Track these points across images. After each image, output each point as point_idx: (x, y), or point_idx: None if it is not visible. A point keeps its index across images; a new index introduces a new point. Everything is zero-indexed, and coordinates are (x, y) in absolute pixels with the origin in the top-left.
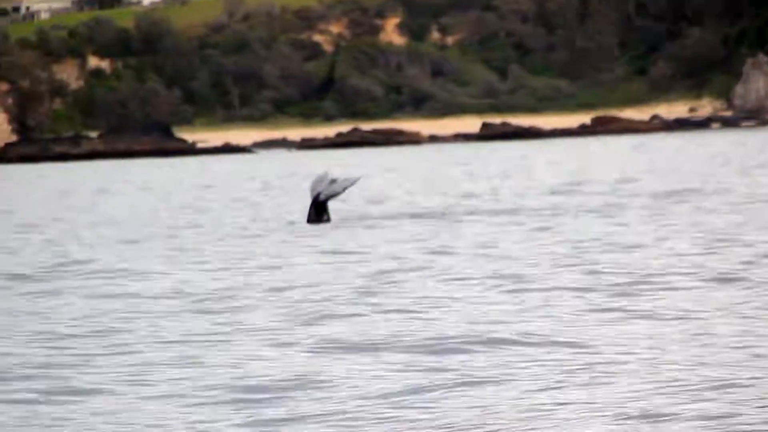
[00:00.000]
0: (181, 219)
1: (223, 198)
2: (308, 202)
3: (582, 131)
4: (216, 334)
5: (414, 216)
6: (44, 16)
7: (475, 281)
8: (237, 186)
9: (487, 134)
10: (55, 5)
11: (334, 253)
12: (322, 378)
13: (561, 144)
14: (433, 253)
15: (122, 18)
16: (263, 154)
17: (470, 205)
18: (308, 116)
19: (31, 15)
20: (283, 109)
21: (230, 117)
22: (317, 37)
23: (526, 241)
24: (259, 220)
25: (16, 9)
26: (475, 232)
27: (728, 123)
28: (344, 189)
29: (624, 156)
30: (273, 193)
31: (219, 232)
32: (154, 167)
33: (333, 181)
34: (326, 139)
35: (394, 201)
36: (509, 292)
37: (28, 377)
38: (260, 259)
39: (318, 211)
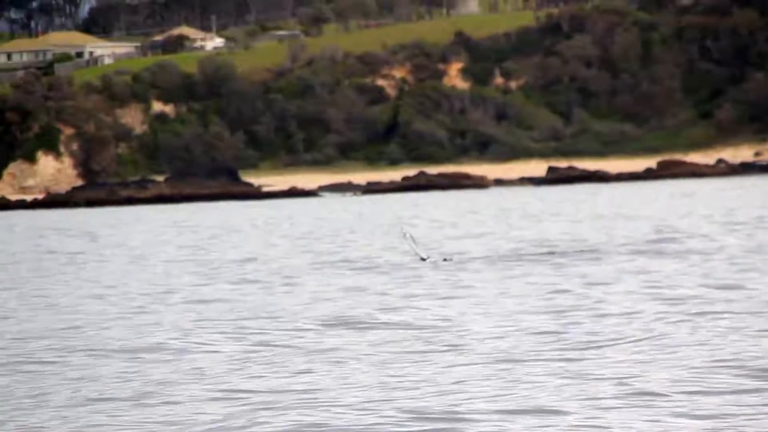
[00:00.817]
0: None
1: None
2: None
3: (647, 175)
4: None
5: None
6: (107, 61)
7: None
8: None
9: (554, 178)
10: (119, 50)
11: None
12: None
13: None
14: None
15: (185, 63)
16: (331, 198)
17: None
18: (372, 160)
19: (94, 60)
20: (347, 153)
21: (294, 161)
22: (381, 82)
23: None
24: None
25: (80, 54)
26: None
27: None
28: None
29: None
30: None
31: None
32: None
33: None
34: (392, 182)
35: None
36: None
37: None
38: None
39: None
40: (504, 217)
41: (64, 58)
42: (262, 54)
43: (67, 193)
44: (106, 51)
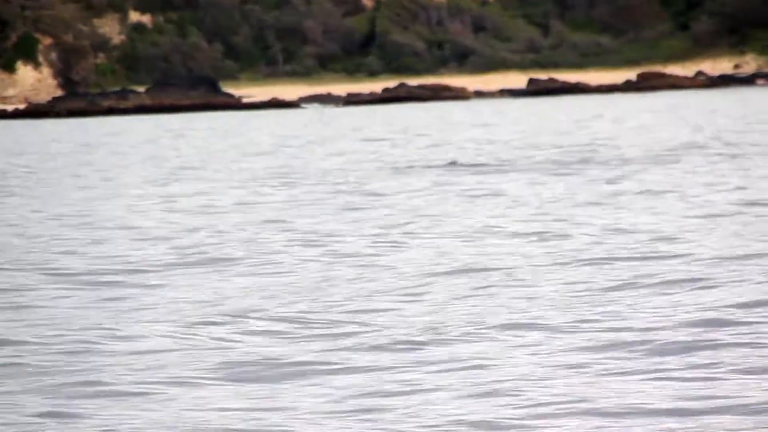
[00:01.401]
0: None
1: None
2: None
3: (627, 87)
4: None
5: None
6: None
7: None
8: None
9: (534, 90)
10: None
11: None
12: None
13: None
14: None
15: None
16: (311, 110)
17: None
18: (351, 72)
19: None
20: (326, 64)
21: (273, 72)
22: None
23: None
24: None
25: None
26: None
27: None
28: None
29: None
30: None
31: None
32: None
33: None
34: (372, 94)
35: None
36: None
37: None
38: None
39: None
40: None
41: None
42: None
43: (48, 103)
44: None
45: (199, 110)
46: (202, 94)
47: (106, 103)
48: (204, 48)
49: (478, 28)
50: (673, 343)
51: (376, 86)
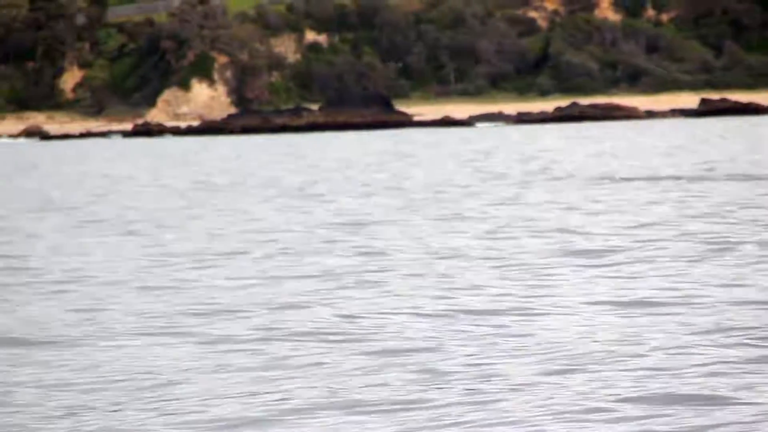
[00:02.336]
0: None
1: None
2: None
3: None
4: None
5: None
6: None
7: None
8: None
9: (706, 110)
10: None
11: None
12: None
13: None
14: None
15: None
16: (484, 128)
17: None
18: (523, 91)
19: None
20: (497, 83)
21: (445, 91)
22: (532, 14)
23: None
24: None
25: None
26: None
27: None
28: None
29: None
30: None
31: None
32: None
33: None
34: (543, 113)
35: None
36: None
37: None
38: None
39: None
40: None
41: None
42: None
43: (223, 120)
44: None
45: (371, 128)
46: (375, 112)
47: (280, 121)
48: (378, 67)
49: (652, 48)
50: None
51: (547, 105)
